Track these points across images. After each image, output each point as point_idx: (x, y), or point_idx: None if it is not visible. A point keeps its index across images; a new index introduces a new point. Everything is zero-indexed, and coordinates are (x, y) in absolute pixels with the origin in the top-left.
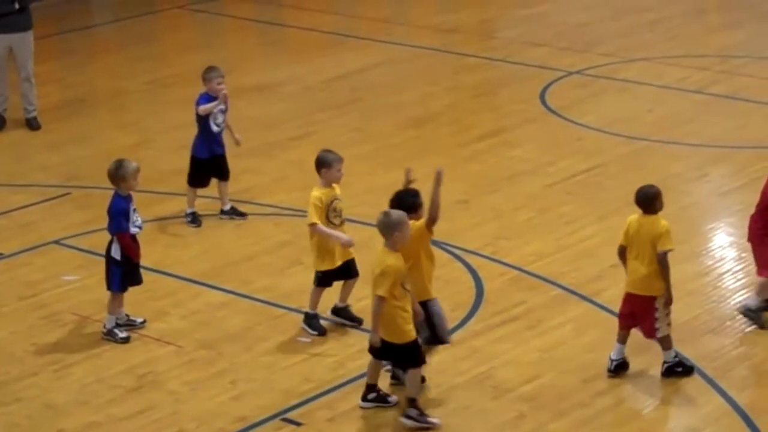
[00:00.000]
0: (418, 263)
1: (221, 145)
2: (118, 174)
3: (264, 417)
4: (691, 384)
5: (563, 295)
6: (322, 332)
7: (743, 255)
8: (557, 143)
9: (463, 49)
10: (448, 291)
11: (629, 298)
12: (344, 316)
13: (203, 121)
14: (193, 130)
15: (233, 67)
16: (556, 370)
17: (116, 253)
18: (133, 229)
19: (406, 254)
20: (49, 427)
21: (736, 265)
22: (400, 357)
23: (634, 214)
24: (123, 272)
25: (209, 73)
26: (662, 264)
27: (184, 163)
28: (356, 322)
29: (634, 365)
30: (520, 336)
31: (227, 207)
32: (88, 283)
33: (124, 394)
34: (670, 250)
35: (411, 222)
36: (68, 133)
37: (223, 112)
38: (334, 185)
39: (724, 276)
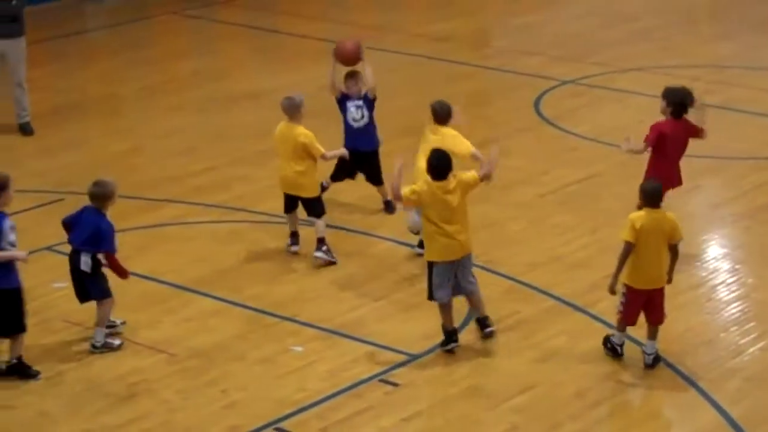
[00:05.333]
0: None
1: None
2: (108, 192)
3: (257, 426)
4: (686, 396)
5: (557, 305)
6: None
7: (737, 266)
8: (551, 153)
9: (456, 57)
10: None
11: (643, 294)
12: None
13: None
14: (184, 137)
15: (226, 74)
16: (550, 382)
17: (86, 266)
18: None
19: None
20: None
21: (730, 277)
22: None
23: (638, 212)
24: (99, 279)
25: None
26: (677, 253)
27: (176, 169)
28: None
29: (624, 378)
30: (513, 346)
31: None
32: None
33: (116, 402)
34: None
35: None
36: (61, 138)
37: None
38: None
39: (718, 287)
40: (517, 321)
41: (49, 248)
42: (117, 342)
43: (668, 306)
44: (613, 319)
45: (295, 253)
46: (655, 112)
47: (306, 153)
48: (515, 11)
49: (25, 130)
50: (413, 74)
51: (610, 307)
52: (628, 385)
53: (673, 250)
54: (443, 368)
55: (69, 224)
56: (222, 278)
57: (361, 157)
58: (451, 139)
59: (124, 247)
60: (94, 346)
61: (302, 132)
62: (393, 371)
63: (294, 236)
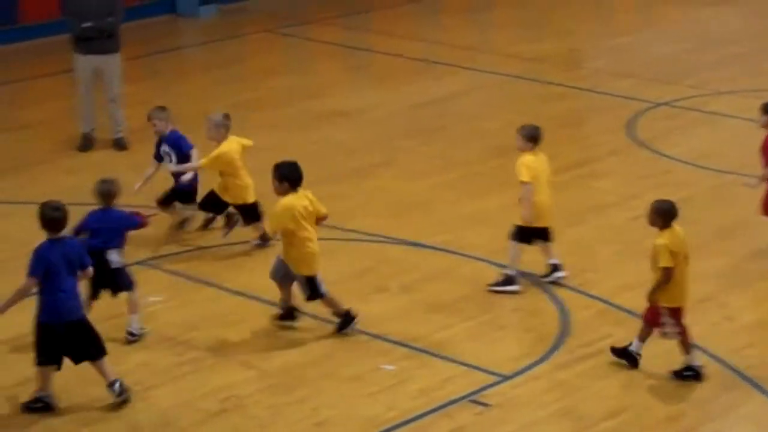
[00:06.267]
0: None
1: None
2: (118, 188)
3: None
4: None
5: None
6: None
7: None
8: (643, 175)
9: (549, 77)
10: (534, 322)
11: (683, 311)
12: None
13: None
14: (276, 153)
15: (319, 92)
16: (641, 405)
17: (119, 263)
18: None
19: None
20: None
21: None
22: None
23: (665, 236)
24: (126, 271)
25: None
26: None
27: (267, 186)
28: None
29: (718, 402)
30: (605, 369)
31: None
32: (173, 304)
33: (206, 417)
34: None
35: None
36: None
37: None
38: None
39: None
40: (609, 344)
41: (142, 263)
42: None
43: None
44: (708, 343)
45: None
46: (747, 135)
47: None
48: (608, 33)
49: (120, 145)
50: (505, 94)
51: (705, 330)
52: (718, 412)
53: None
54: (534, 390)
55: (81, 232)
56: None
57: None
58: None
59: (213, 263)
60: (132, 334)
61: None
62: (483, 392)
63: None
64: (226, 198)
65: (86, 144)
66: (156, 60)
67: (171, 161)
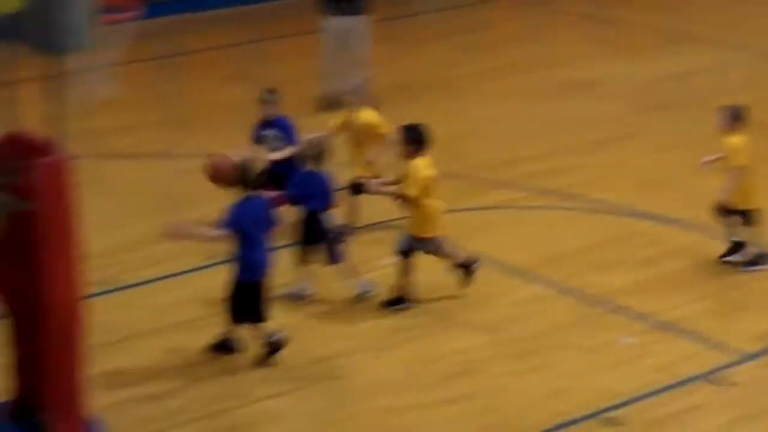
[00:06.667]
0: None
1: None
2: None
3: (582, 415)
4: None
5: None
6: None
7: None
8: None
9: None
10: None
11: None
12: None
13: None
14: (517, 122)
15: (561, 62)
16: None
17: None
18: None
19: None
20: (374, 404)
21: None
22: None
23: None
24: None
25: None
26: None
27: (509, 154)
28: None
29: None
30: None
31: None
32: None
33: (446, 378)
34: None
35: None
36: (395, 117)
37: None
38: None
39: None
40: None
41: (382, 223)
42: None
43: None
44: None
45: None
46: None
47: None
48: None
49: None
50: (756, 72)
51: None
52: None
53: None
54: None
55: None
56: (553, 264)
57: None
58: None
59: (456, 227)
60: (367, 292)
61: None
62: (724, 370)
63: None
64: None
65: (328, 104)
66: (399, 24)
67: (274, 146)
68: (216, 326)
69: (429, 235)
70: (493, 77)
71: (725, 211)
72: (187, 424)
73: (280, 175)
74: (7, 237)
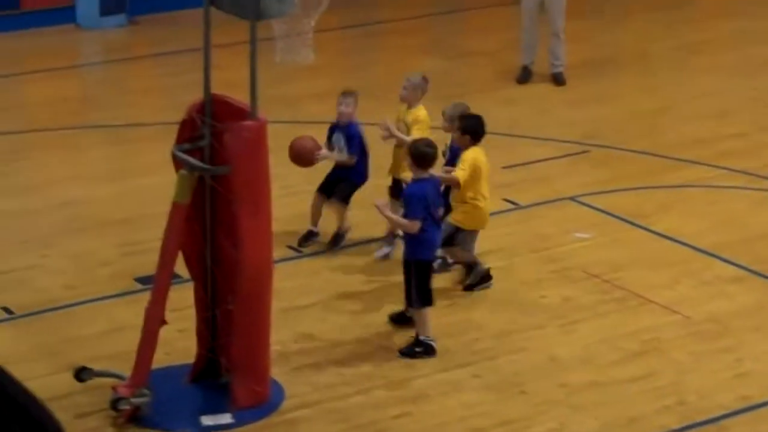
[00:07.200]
0: None
1: None
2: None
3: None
4: None
5: None
6: None
7: None
8: None
9: None
10: None
11: None
12: None
13: None
14: (717, 99)
15: (765, 38)
16: None
17: None
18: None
19: None
20: (552, 379)
21: None
22: None
23: None
24: None
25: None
26: None
27: (705, 132)
28: None
29: None
30: None
31: None
32: (600, 241)
33: (627, 357)
34: None
35: None
36: (591, 91)
37: None
38: None
39: None
40: None
41: (572, 198)
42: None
43: None
44: None
45: None
46: None
47: None
48: None
49: (558, 80)
50: None
51: None
52: None
53: None
54: None
55: None
56: (745, 245)
57: None
58: None
59: (646, 204)
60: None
61: None
62: None
63: None
64: None
65: (525, 76)
66: None
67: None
68: (393, 299)
69: (467, 227)
70: (695, 53)
71: None
72: (366, 392)
73: (338, 180)
74: (196, 200)
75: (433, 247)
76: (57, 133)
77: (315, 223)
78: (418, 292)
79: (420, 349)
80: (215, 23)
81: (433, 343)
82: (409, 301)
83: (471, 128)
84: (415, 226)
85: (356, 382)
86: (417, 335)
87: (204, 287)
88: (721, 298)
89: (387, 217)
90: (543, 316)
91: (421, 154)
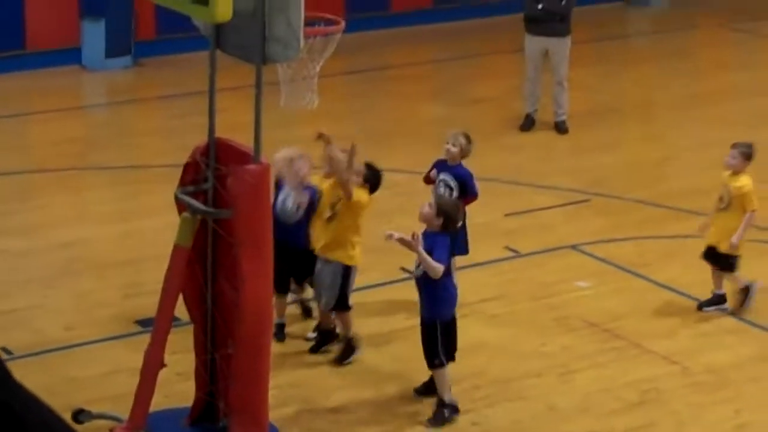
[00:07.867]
0: None
1: None
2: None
3: None
4: None
5: None
6: None
7: None
8: None
9: None
10: None
11: None
12: None
13: None
14: (719, 150)
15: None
16: None
17: None
18: None
19: None
20: (551, 428)
21: None
22: None
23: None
24: None
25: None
26: None
27: (707, 182)
28: None
29: None
30: None
31: None
32: (601, 291)
33: (626, 407)
34: None
35: None
36: (593, 140)
37: None
38: None
39: None
40: None
41: (573, 246)
42: None
43: None
44: None
45: None
46: None
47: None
48: None
49: (560, 128)
50: None
51: None
52: None
53: None
54: None
55: None
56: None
57: None
58: None
59: (647, 254)
60: None
61: None
62: None
63: None
64: None
65: (528, 124)
66: (604, 46)
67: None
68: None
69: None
70: (698, 104)
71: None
72: None
73: None
74: (198, 243)
75: (455, 302)
76: (61, 173)
77: None
78: (445, 349)
79: (448, 411)
80: (220, 66)
81: (456, 403)
82: (432, 361)
83: (370, 178)
84: (439, 270)
85: (352, 429)
86: (441, 398)
87: (204, 330)
88: (720, 348)
89: (418, 252)
90: (543, 364)
91: (455, 216)
